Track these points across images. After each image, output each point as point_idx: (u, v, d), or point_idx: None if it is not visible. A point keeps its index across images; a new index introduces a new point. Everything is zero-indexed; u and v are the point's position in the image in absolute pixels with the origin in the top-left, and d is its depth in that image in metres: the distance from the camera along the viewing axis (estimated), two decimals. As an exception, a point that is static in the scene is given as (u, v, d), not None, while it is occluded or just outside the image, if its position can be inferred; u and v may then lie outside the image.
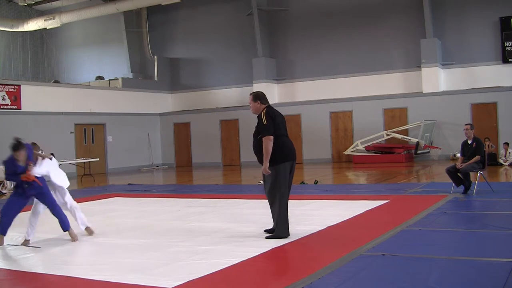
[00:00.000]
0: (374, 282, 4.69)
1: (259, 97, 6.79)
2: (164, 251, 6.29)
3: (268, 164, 6.50)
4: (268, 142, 6.46)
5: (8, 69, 26.00)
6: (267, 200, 6.80)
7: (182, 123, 25.30)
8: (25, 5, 25.51)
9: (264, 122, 6.55)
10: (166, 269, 5.42)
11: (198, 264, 5.57)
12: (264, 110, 6.67)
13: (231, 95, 24.74)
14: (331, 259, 5.44)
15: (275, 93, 23.63)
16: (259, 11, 23.26)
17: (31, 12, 25.70)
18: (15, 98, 19.69)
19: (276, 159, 6.53)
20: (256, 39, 23.49)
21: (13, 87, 19.73)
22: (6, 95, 19.33)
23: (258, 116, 6.72)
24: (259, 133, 6.61)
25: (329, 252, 5.86)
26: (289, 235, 6.63)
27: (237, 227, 7.69)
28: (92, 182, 17.98)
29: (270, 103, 6.94)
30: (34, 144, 16.34)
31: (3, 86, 19.34)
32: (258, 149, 6.65)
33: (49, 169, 7.35)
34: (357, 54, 22.06)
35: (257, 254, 5.93)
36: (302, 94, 23.34)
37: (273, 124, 6.54)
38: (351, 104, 21.70)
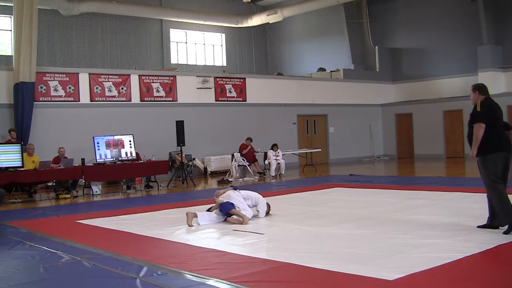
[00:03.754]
0: None
1: (478, 88, 6.85)
2: (385, 243, 6.27)
3: (476, 152, 6.53)
4: (479, 129, 6.49)
5: (233, 63, 27.90)
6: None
7: (404, 113, 24.76)
8: (249, 2, 27.16)
9: (478, 109, 6.62)
10: (387, 260, 5.40)
11: (419, 257, 5.45)
12: (481, 100, 6.70)
13: (454, 85, 23.49)
14: None
15: (501, 82, 21.82)
16: (484, -5, 21.85)
17: (254, 8, 27.24)
18: (241, 91, 21.17)
19: (484, 149, 6.51)
20: (481, 26, 21.97)
21: (238, 80, 21.24)
22: (232, 88, 20.90)
23: (474, 105, 6.77)
24: (473, 121, 6.65)
25: None
26: None
27: (461, 221, 7.35)
28: (314, 172, 18.56)
29: (496, 92, 6.91)
30: (249, 138, 17.61)
31: (229, 80, 20.93)
32: (471, 137, 6.68)
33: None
34: None
35: (482, 250, 5.65)
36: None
37: (487, 114, 6.54)
38: None
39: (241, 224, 7.98)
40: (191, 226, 7.99)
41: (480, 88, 6.83)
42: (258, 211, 8.64)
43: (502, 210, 6.46)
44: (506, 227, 6.45)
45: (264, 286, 4.76)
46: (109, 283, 5.14)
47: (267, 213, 8.80)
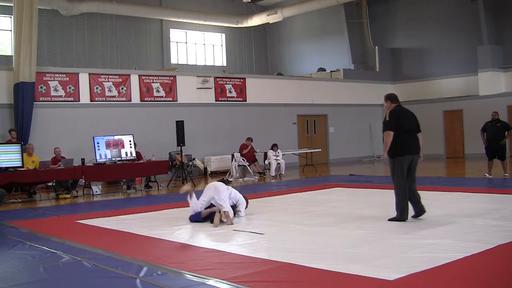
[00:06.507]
0: None
1: (390, 98, 7.88)
2: (385, 243, 6.27)
3: (386, 155, 7.64)
4: (387, 137, 7.53)
5: (233, 63, 27.89)
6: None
7: (403, 113, 24.72)
8: (249, 2, 27.14)
9: (386, 118, 7.61)
10: (387, 261, 5.39)
11: (419, 257, 5.45)
12: (390, 109, 7.67)
13: (454, 85, 23.50)
14: None
15: (501, 82, 21.81)
16: (484, -4, 21.88)
17: (254, 8, 27.19)
18: (241, 91, 21.17)
19: (391, 153, 7.59)
20: (481, 26, 21.99)
21: (238, 80, 21.23)
22: (232, 88, 20.89)
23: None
24: (384, 128, 7.66)
25: None
26: (405, 219, 7.52)
27: (461, 221, 7.35)
28: (314, 172, 18.55)
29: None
30: (249, 138, 17.26)
31: (229, 80, 20.93)
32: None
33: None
34: None
35: (482, 250, 5.65)
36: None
37: (395, 122, 7.50)
38: None
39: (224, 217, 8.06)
40: (216, 226, 7.91)
41: (391, 98, 7.81)
42: (239, 210, 8.65)
43: (398, 206, 7.57)
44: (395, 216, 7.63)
45: (264, 286, 4.76)
46: (109, 283, 5.14)
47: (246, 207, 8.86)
